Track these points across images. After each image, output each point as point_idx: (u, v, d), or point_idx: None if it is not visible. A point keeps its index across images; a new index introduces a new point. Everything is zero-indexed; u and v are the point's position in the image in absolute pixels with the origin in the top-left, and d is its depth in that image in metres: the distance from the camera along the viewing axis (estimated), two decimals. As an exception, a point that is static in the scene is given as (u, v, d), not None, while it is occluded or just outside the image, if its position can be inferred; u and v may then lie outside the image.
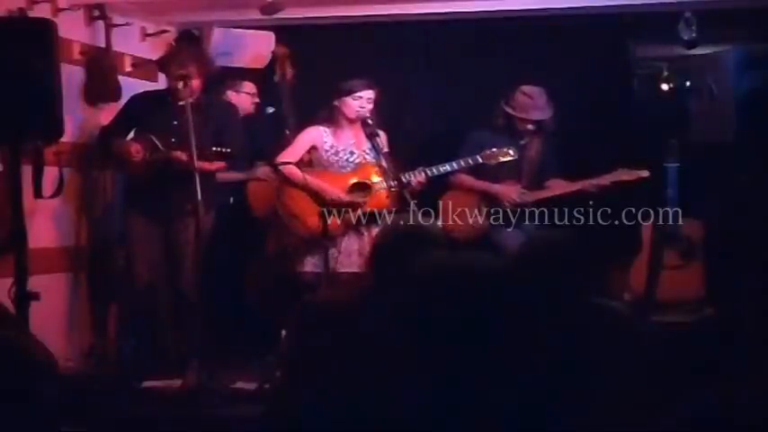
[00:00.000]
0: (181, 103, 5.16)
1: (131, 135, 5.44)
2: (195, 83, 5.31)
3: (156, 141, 5.27)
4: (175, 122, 5.21)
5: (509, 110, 5.94)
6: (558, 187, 5.95)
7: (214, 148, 5.15)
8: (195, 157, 5.01)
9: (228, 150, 5.23)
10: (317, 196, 5.40)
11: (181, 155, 5.15)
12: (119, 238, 5.86)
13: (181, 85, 5.20)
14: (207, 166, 5.21)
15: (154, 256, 5.45)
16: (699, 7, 5.86)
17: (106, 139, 5.49)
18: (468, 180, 5.95)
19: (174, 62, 5.33)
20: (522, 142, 5.94)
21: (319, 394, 2.95)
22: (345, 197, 5.42)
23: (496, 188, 5.96)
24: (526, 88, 5.92)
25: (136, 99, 5.59)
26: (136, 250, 5.50)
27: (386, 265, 3.30)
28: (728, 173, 5.81)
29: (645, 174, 5.81)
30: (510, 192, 5.93)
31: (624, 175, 5.80)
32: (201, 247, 5.13)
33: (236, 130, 5.49)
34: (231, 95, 6.21)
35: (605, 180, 5.81)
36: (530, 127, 5.93)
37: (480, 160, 5.68)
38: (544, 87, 5.95)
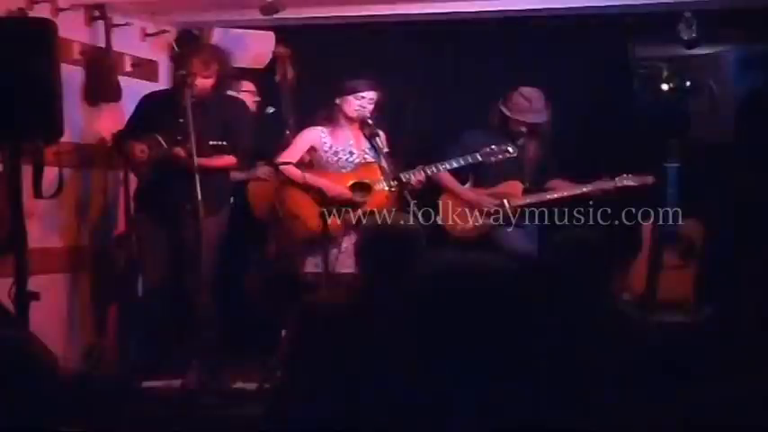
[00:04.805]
0: (186, 101, 5.13)
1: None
2: (209, 81, 5.31)
3: (160, 139, 5.25)
4: (181, 120, 5.14)
5: (505, 110, 5.93)
6: (561, 189, 5.94)
7: (211, 143, 5.14)
8: (194, 154, 5.01)
9: (224, 144, 5.23)
10: (317, 196, 5.39)
11: (179, 151, 5.15)
12: (122, 238, 5.87)
13: (183, 82, 5.19)
14: (206, 162, 5.18)
15: (161, 256, 5.43)
16: (699, 7, 5.86)
17: (121, 141, 5.48)
18: (447, 181, 5.94)
19: (189, 60, 5.32)
20: (520, 142, 5.94)
21: (320, 394, 2.96)
22: (348, 193, 5.42)
23: (467, 194, 5.95)
24: (524, 90, 5.91)
25: (147, 99, 5.58)
26: (144, 251, 5.50)
27: (368, 264, 3.33)
28: (728, 173, 5.81)
29: (650, 180, 5.82)
30: (482, 200, 5.92)
31: (629, 180, 5.82)
32: (204, 248, 5.09)
33: (242, 127, 5.47)
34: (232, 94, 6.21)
35: (610, 185, 5.82)
36: (523, 129, 5.92)
37: (480, 158, 5.68)
38: (544, 87, 5.95)
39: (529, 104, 5.88)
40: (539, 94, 5.90)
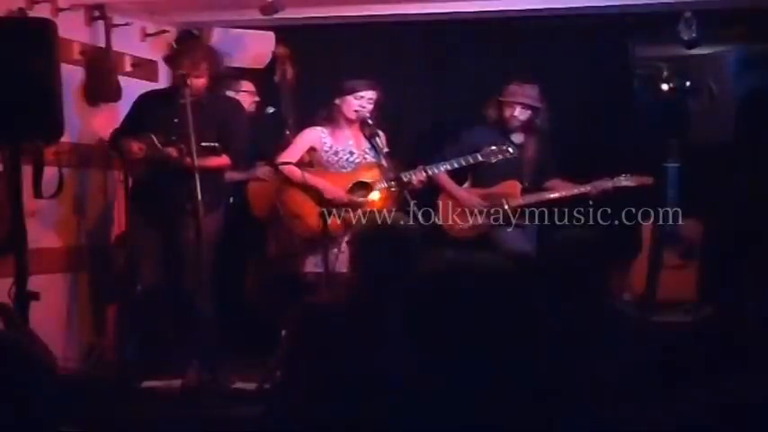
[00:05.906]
0: (182, 100, 5.11)
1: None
2: (201, 81, 5.30)
3: (154, 139, 5.24)
4: (176, 120, 5.14)
5: (501, 98, 5.96)
6: (560, 188, 5.94)
7: (202, 144, 5.12)
8: (194, 154, 5.00)
9: (215, 145, 5.22)
10: (317, 196, 5.40)
11: (171, 151, 5.15)
12: (121, 238, 5.87)
13: (182, 82, 5.18)
14: (199, 162, 5.15)
15: (156, 256, 5.42)
16: (699, 7, 5.86)
17: (116, 140, 5.46)
18: (443, 180, 5.94)
19: (180, 59, 5.31)
20: (519, 141, 5.94)
21: (320, 394, 2.96)
22: (345, 196, 5.42)
23: (460, 194, 5.96)
24: (520, 82, 5.95)
25: (143, 98, 5.57)
26: (139, 250, 5.49)
27: (361, 263, 3.34)
28: (728, 173, 5.81)
29: (649, 181, 5.83)
30: (471, 200, 5.93)
31: (628, 181, 5.82)
32: (203, 248, 5.08)
33: (236, 127, 5.44)
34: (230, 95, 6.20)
35: (609, 185, 5.83)
36: (518, 113, 5.90)
37: (480, 158, 5.68)
38: (544, 87, 5.96)
39: (522, 90, 5.92)
40: (533, 86, 5.94)
